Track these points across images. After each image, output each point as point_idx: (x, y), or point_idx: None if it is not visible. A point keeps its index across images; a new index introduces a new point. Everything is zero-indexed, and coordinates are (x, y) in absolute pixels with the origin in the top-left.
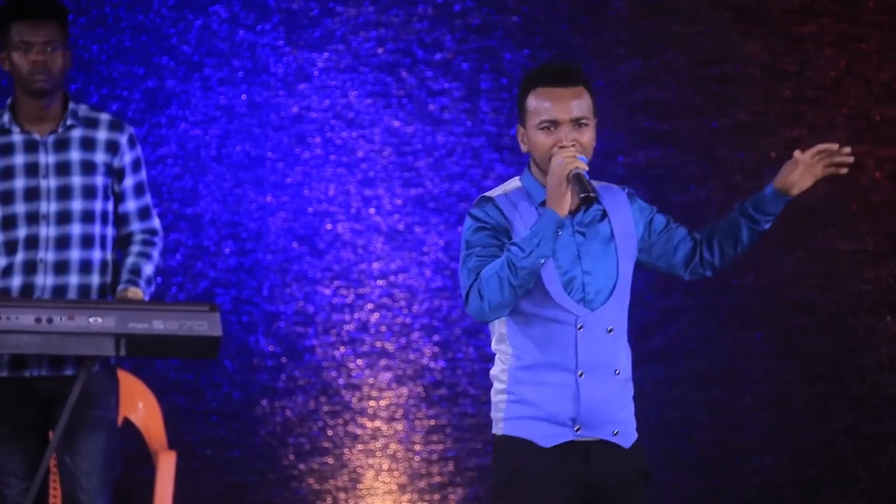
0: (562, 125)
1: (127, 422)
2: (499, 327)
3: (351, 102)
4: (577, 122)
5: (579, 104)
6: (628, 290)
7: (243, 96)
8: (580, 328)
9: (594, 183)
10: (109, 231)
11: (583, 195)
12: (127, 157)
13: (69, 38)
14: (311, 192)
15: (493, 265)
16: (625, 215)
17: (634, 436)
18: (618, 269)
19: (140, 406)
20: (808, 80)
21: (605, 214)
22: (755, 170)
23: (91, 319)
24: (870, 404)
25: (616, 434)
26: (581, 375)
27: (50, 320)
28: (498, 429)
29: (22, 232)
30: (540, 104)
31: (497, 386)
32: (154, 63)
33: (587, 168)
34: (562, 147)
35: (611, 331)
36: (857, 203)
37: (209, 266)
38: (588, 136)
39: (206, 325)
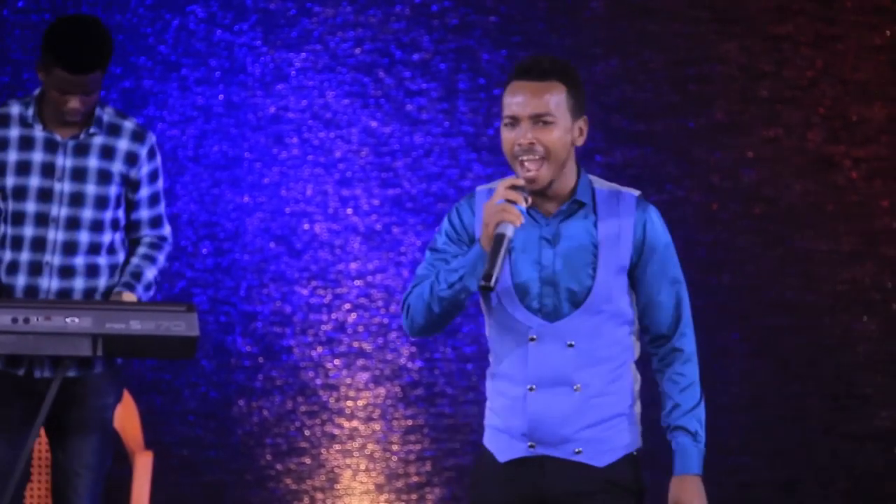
0: (522, 122)
1: None
2: (486, 328)
3: (328, 103)
4: (538, 120)
5: (543, 100)
6: (613, 301)
7: (220, 96)
8: (532, 340)
9: (604, 185)
10: (119, 236)
11: (483, 281)
12: (145, 169)
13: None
14: (288, 192)
15: (425, 285)
16: (620, 223)
17: (617, 454)
18: (594, 280)
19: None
20: (784, 79)
21: (594, 218)
22: (732, 169)
23: (68, 320)
24: (846, 404)
25: (578, 453)
26: (531, 390)
27: (27, 320)
28: (483, 436)
29: (29, 231)
30: (507, 99)
31: None
32: (131, 63)
33: (520, 222)
34: (518, 145)
35: (571, 345)
36: (833, 203)
37: (186, 266)
38: (552, 136)
39: (183, 325)
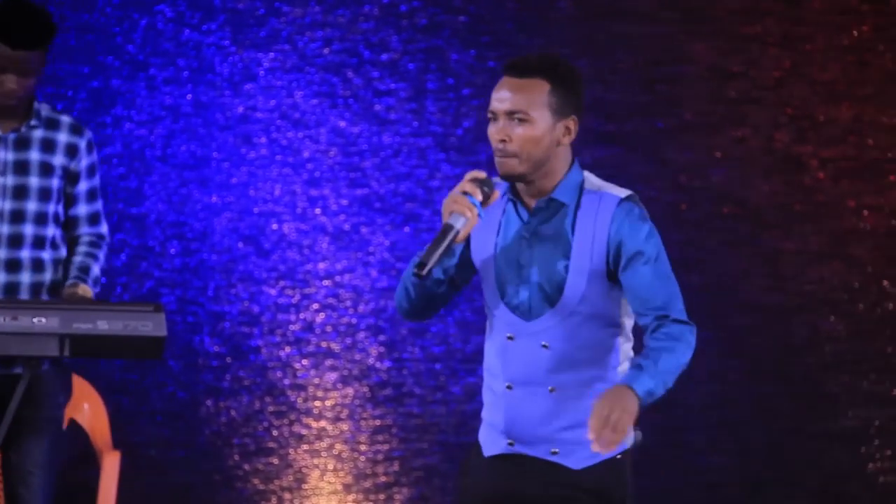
0: (500, 117)
1: (72, 422)
2: None
3: (297, 102)
4: (513, 116)
5: (519, 97)
6: (589, 304)
7: (189, 96)
8: (510, 338)
9: (595, 185)
10: (59, 232)
11: (415, 268)
12: (84, 162)
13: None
14: (256, 192)
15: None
16: (595, 224)
17: (596, 457)
18: (564, 282)
19: (85, 407)
20: (752, 80)
21: (573, 219)
22: (701, 169)
23: (35, 320)
24: (814, 403)
25: (555, 454)
26: (508, 388)
27: None
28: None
29: None
30: (492, 94)
31: None
32: (99, 62)
33: (472, 214)
34: (497, 143)
35: (546, 346)
36: (801, 203)
37: (154, 266)
38: (526, 134)
39: (150, 325)
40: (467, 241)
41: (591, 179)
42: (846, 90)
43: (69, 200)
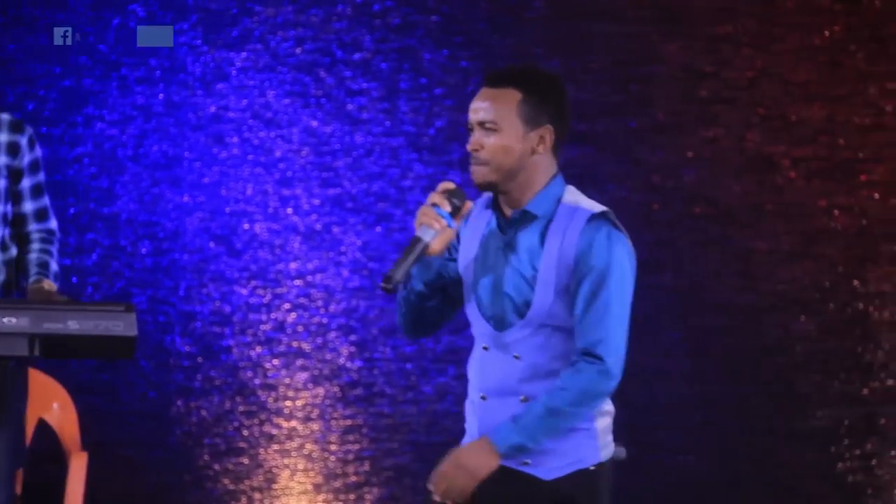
0: (473, 127)
1: (41, 422)
2: None
3: (269, 102)
4: (483, 126)
5: (488, 107)
6: (557, 317)
7: (160, 95)
8: (485, 349)
9: (572, 200)
10: (8, 232)
11: (381, 283)
12: (26, 159)
13: None
14: (228, 191)
15: None
16: (564, 240)
17: (567, 469)
18: (533, 295)
19: (55, 406)
20: (724, 80)
21: (544, 232)
22: (673, 169)
23: (5, 319)
24: (784, 403)
25: (526, 464)
26: (483, 398)
27: None
28: None
29: None
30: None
31: None
32: (71, 62)
33: (441, 226)
34: (472, 153)
35: (517, 357)
36: (772, 203)
37: (125, 266)
38: (494, 143)
39: (121, 325)
40: (454, 253)
41: (571, 194)
42: (818, 90)
43: (15, 198)
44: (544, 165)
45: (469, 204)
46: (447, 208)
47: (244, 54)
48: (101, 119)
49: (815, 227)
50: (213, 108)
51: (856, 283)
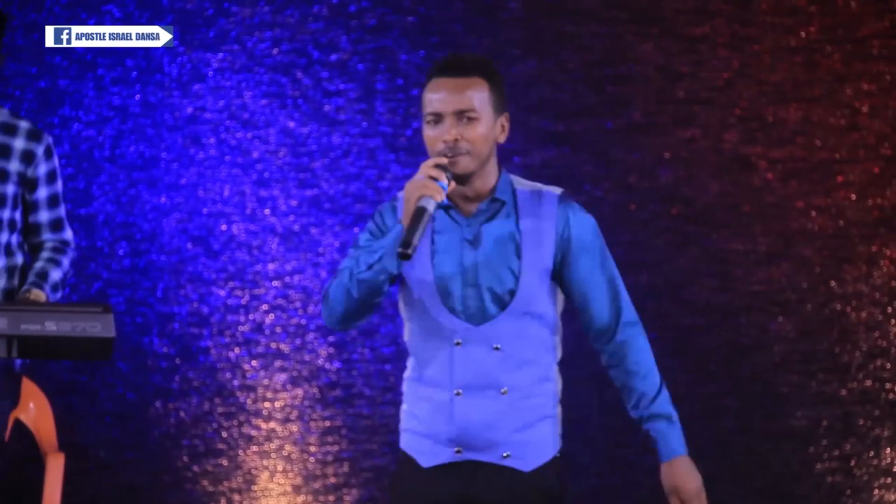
0: (445, 118)
1: (17, 422)
2: (404, 333)
3: (246, 103)
4: (462, 115)
5: (466, 96)
6: (538, 303)
7: (137, 96)
8: (458, 344)
9: (526, 185)
10: (15, 238)
11: (400, 248)
12: (42, 168)
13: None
14: (205, 192)
15: (345, 272)
16: (541, 223)
17: (543, 458)
18: (518, 282)
19: (31, 407)
20: (701, 80)
21: (515, 218)
22: (649, 170)
23: None
24: (762, 403)
25: (507, 457)
26: (458, 394)
27: None
28: (399, 440)
29: None
30: (428, 96)
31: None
32: (47, 62)
33: (442, 198)
34: (444, 142)
35: (497, 348)
36: (749, 204)
37: (103, 267)
38: (476, 132)
39: (99, 326)
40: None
41: (517, 179)
42: (794, 91)
43: (29, 207)
44: (495, 153)
45: (454, 183)
46: (445, 181)
47: (221, 55)
48: (77, 120)
49: (792, 228)
50: (189, 109)
51: (833, 283)
